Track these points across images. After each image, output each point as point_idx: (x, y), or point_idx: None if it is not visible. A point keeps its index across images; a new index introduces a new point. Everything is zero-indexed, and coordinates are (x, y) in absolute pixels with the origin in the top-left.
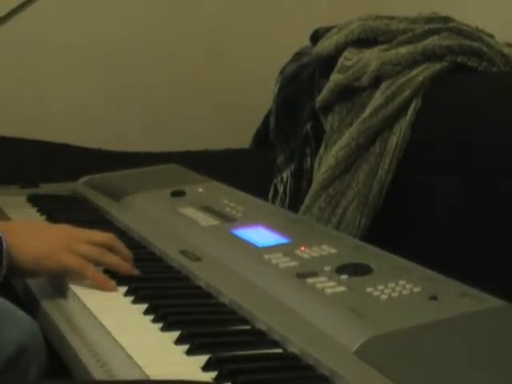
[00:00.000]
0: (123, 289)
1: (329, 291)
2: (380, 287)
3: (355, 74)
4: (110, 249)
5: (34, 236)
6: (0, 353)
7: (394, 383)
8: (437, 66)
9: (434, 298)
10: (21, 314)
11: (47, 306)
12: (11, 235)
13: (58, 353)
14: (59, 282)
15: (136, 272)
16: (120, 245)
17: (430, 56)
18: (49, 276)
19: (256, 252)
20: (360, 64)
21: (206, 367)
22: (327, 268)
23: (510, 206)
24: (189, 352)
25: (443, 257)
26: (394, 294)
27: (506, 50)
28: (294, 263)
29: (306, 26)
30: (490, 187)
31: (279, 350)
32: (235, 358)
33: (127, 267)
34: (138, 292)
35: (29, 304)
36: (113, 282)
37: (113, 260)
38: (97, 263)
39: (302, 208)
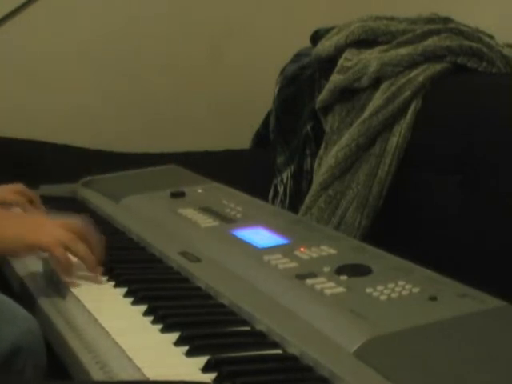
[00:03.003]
0: (123, 290)
1: (328, 292)
2: (379, 288)
3: (355, 75)
4: (81, 238)
5: (6, 221)
6: None
7: None
8: (437, 67)
9: (433, 298)
10: (20, 311)
11: (46, 307)
12: None
13: (58, 354)
14: (59, 284)
15: (100, 270)
16: (91, 233)
17: (430, 57)
18: (20, 256)
19: (256, 253)
20: (360, 65)
21: (206, 368)
22: (327, 269)
23: (510, 205)
24: (188, 353)
25: (443, 257)
26: (394, 295)
27: (506, 51)
28: (293, 264)
29: (306, 27)
30: (490, 187)
31: (279, 351)
32: (235, 359)
33: (91, 262)
34: (137, 293)
35: (27, 305)
36: (72, 271)
37: (81, 250)
38: (66, 248)
39: (302, 209)
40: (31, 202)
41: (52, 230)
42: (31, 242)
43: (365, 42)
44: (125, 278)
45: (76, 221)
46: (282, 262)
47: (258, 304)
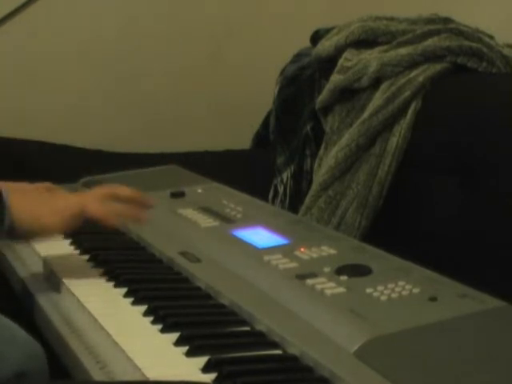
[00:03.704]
0: (123, 290)
1: (328, 292)
2: (379, 288)
3: (355, 75)
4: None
5: (35, 200)
6: None
7: None
8: (437, 67)
9: (433, 298)
10: (23, 334)
11: (46, 308)
12: (15, 195)
13: (58, 355)
14: (58, 284)
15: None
16: (124, 192)
17: (430, 57)
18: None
19: (256, 253)
20: (360, 65)
21: (206, 368)
22: (327, 269)
23: (510, 205)
24: (188, 353)
25: (443, 257)
26: (394, 295)
27: (506, 51)
28: (293, 264)
29: (306, 27)
30: (490, 187)
31: (279, 352)
32: (235, 359)
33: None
34: (137, 293)
35: (27, 306)
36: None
37: (127, 192)
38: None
39: (302, 209)
40: None
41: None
42: (68, 212)
43: (365, 42)
44: (125, 278)
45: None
46: (282, 262)
47: (258, 304)
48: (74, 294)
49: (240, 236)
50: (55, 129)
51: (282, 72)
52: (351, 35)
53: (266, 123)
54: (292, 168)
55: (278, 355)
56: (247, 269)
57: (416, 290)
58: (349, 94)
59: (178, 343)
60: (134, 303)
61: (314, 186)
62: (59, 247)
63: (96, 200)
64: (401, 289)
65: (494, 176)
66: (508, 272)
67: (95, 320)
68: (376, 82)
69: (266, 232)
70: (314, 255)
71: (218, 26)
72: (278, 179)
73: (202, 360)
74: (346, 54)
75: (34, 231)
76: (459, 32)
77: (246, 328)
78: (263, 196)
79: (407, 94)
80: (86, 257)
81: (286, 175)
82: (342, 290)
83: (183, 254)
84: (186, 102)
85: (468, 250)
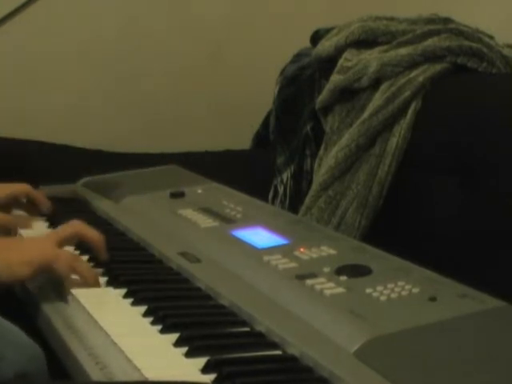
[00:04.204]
0: (122, 291)
1: (328, 292)
2: (379, 288)
3: (355, 75)
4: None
5: (7, 247)
6: None
7: None
8: (437, 67)
9: (433, 298)
10: (23, 337)
11: (46, 308)
12: None
13: (57, 355)
14: (58, 285)
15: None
16: (90, 232)
17: (430, 57)
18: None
19: (255, 253)
20: (360, 65)
21: (205, 369)
22: (326, 269)
23: (510, 205)
24: (188, 354)
25: (443, 257)
26: (394, 295)
27: (506, 51)
28: (293, 264)
29: (306, 27)
30: (490, 187)
31: (278, 352)
32: (234, 359)
33: (93, 278)
34: (137, 294)
35: (28, 307)
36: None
37: (84, 268)
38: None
39: (302, 209)
40: (34, 204)
41: (52, 247)
42: (38, 262)
43: (365, 42)
44: (124, 279)
45: (72, 223)
46: (282, 263)
47: (257, 304)
48: (73, 295)
49: (240, 236)
50: (55, 129)
51: (282, 72)
52: (351, 35)
53: (266, 123)
54: (292, 168)
55: (278, 356)
56: (247, 269)
57: (416, 290)
58: (349, 94)
59: (177, 344)
60: (134, 304)
61: (314, 186)
62: None
63: (64, 257)
64: (400, 289)
65: (494, 176)
66: (508, 272)
67: (95, 321)
68: (376, 82)
69: (266, 232)
70: (314, 255)
71: (218, 26)
72: (278, 179)
73: (201, 361)
74: (346, 54)
75: (4, 279)
76: (459, 32)
77: (246, 328)
78: (263, 196)
79: (407, 94)
80: (86, 257)
81: (286, 175)
82: (341, 290)
83: (183, 254)
84: (186, 102)
85: (468, 249)
